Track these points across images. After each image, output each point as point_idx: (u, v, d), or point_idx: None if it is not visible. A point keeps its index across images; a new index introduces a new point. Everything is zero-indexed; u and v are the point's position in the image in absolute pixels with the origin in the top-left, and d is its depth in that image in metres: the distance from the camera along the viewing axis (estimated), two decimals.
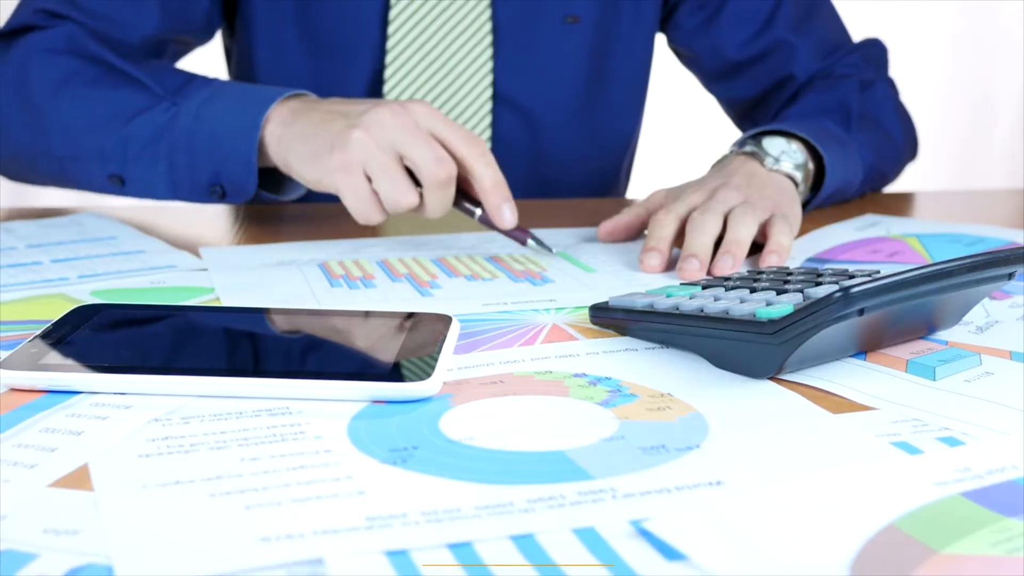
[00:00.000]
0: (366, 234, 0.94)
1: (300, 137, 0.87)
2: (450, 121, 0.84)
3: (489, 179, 0.84)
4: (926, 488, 0.46)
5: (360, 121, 0.83)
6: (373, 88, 1.12)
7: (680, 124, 2.28)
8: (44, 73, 0.96)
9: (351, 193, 0.84)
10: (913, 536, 0.42)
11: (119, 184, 0.96)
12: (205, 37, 1.14)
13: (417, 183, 0.84)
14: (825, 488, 0.46)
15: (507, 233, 0.87)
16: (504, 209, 0.84)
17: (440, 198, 0.84)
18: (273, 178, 0.95)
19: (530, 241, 0.86)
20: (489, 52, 1.11)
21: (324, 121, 0.86)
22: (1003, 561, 0.41)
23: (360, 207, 0.84)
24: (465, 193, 0.86)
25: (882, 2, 2.44)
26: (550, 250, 0.87)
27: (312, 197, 0.97)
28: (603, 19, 1.16)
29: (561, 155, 1.20)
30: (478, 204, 0.86)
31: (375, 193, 0.84)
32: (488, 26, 1.10)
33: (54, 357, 0.58)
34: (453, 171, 0.83)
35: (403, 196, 0.83)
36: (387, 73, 1.10)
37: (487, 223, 0.86)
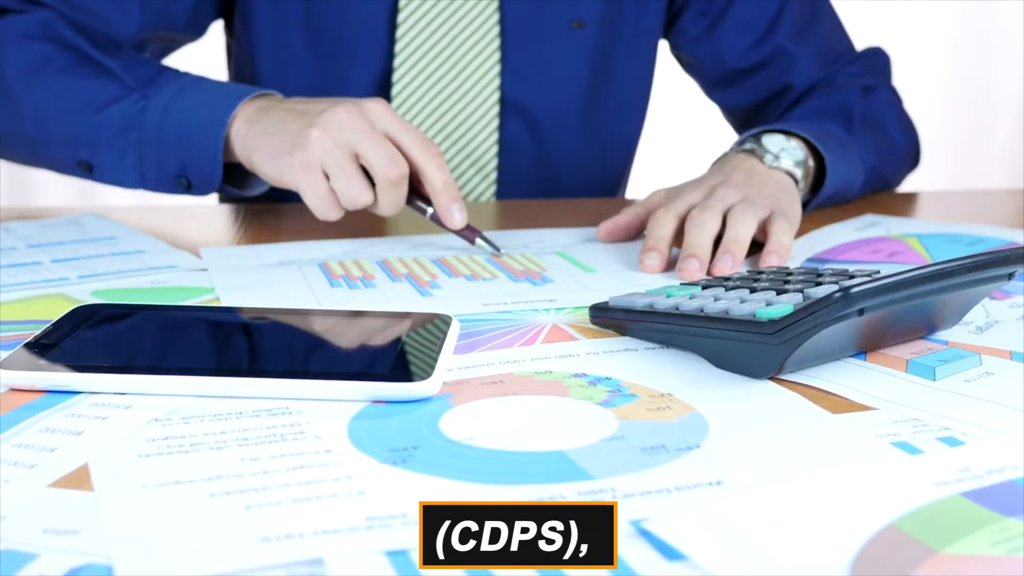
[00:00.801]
0: (366, 234, 0.94)
1: (263, 135, 0.90)
2: (404, 122, 0.87)
3: (439, 180, 0.87)
4: (926, 488, 0.46)
5: (318, 120, 0.86)
6: (380, 93, 1.12)
7: (682, 125, 2.28)
8: (17, 58, 0.98)
9: (311, 191, 0.87)
10: (913, 536, 0.42)
11: (87, 170, 0.98)
12: (193, 35, 1.14)
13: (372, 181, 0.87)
14: (825, 488, 0.46)
15: (457, 232, 0.89)
16: (453, 209, 0.87)
17: (392, 196, 0.86)
18: (237, 173, 0.98)
19: (478, 240, 0.88)
20: (497, 56, 1.11)
21: (285, 120, 0.89)
22: (1003, 561, 0.41)
23: (319, 204, 0.87)
24: (419, 192, 0.89)
25: (882, 2, 2.44)
26: (498, 250, 0.88)
27: (275, 193, 1.00)
28: (607, 24, 1.16)
29: (565, 158, 1.20)
30: (430, 203, 0.89)
31: (333, 190, 0.87)
32: (496, 30, 1.11)
33: (54, 357, 0.58)
34: (405, 171, 0.86)
35: (358, 194, 0.86)
36: (395, 77, 1.10)
37: (438, 222, 0.89)
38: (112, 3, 1.02)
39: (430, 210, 0.89)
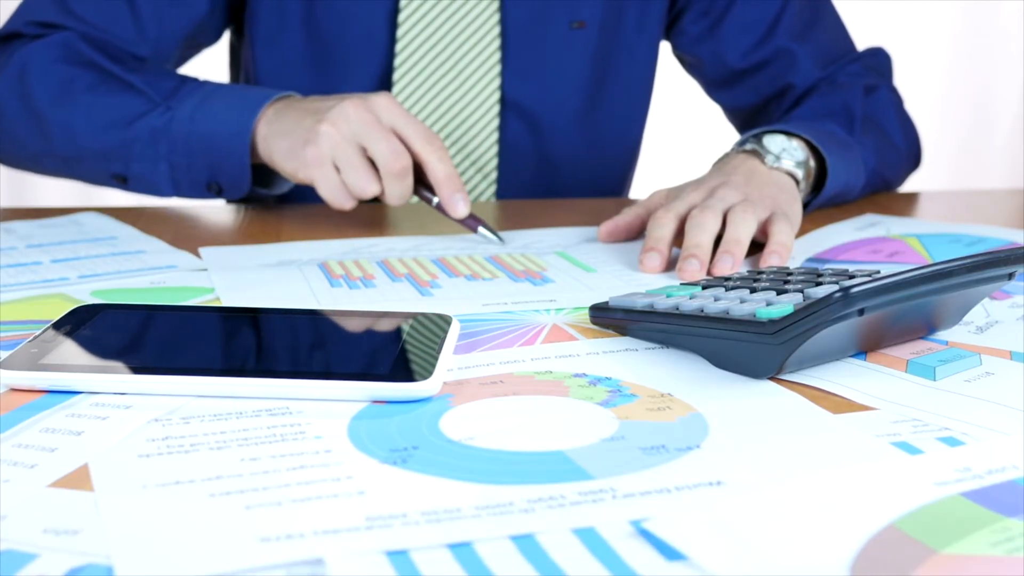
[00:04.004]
0: (366, 234, 0.95)
1: (280, 134, 0.94)
2: (409, 115, 0.91)
3: (442, 172, 0.91)
4: (926, 488, 0.46)
5: (327, 116, 0.90)
6: None
7: (684, 126, 2.27)
8: (43, 82, 1.01)
9: (323, 183, 0.91)
10: (913, 536, 0.42)
11: (122, 182, 1.01)
12: (211, 40, 1.16)
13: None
14: (825, 488, 0.46)
15: (460, 221, 0.93)
16: (457, 199, 0.91)
17: (398, 187, 0.91)
18: (263, 173, 1.01)
19: (481, 229, 0.92)
20: (497, 57, 1.11)
21: (299, 119, 0.93)
22: (1003, 561, 0.41)
23: (332, 195, 0.92)
24: (425, 183, 0.93)
25: (882, 3, 2.44)
26: (500, 239, 0.91)
27: (298, 190, 1.04)
28: (608, 24, 1.16)
29: (565, 159, 1.20)
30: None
31: (344, 182, 0.91)
32: (496, 31, 1.11)
33: (54, 357, 0.58)
34: (408, 163, 0.90)
35: (366, 185, 0.90)
36: (395, 77, 1.11)
37: (443, 211, 0.93)
38: (128, 19, 1.05)
39: (436, 199, 0.92)
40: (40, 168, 1.06)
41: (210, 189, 0.99)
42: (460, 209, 0.91)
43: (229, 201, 1.10)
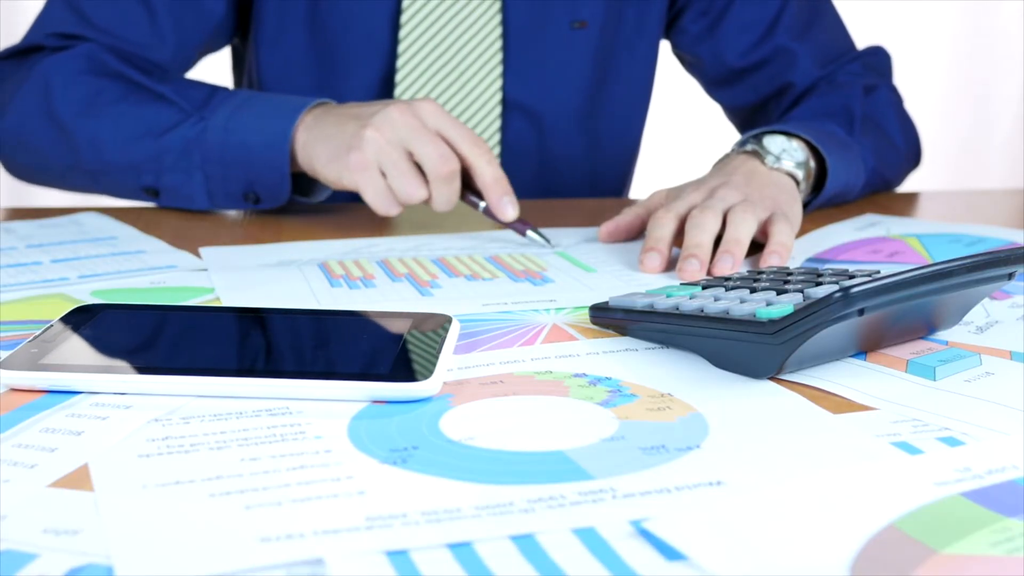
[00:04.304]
0: (366, 234, 0.95)
1: (321, 141, 0.92)
2: (455, 120, 0.90)
3: (490, 175, 0.90)
4: (926, 488, 0.46)
5: (372, 121, 0.89)
6: (383, 93, 1.12)
7: (683, 126, 2.27)
8: (68, 94, 0.99)
9: (369, 189, 0.90)
10: (913, 536, 0.42)
11: (153, 195, 1.00)
12: (223, 44, 1.16)
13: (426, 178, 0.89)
14: (825, 488, 0.46)
15: (508, 225, 0.92)
16: (505, 203, 0.90)
17: (446, 192, 0.89)
18: (300, 181, 0.99)
19: (529, 232, 0.91)
20: (499, 57, 1.11)
21: (340, 124, 0.92)
22: (1003, 561, 0.41)
23: (378, 201, 0.90)
24: (471, 187, 0.92)
25: (882, 2, 2.44)
26: (548, 242, 0.91)
27: (337, 197, 1.02)
28: (609, 24, 1.16)
29: (567, 159, 1.20)
30: (482, 197, 0.91)
31: (390, 188, 0.90)
32: (498, 31, 1.11)
33: (54, 357, 0.58)
34: (456, 167, 0.89)
35: (414, 190, 0.89)
36: (398, 78, 1.11)
37: (491, 215, 0.92)
38: (147, 28, 1.04)
39: (482, 204, 0.92)
40: (67, 184, 1.04)
41: (247, 199, 0.98)
42: (509, 213, 0.90)
43: (289, 209, 1.09)
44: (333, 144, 0.91)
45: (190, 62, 1.10)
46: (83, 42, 1.02)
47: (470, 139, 0.89)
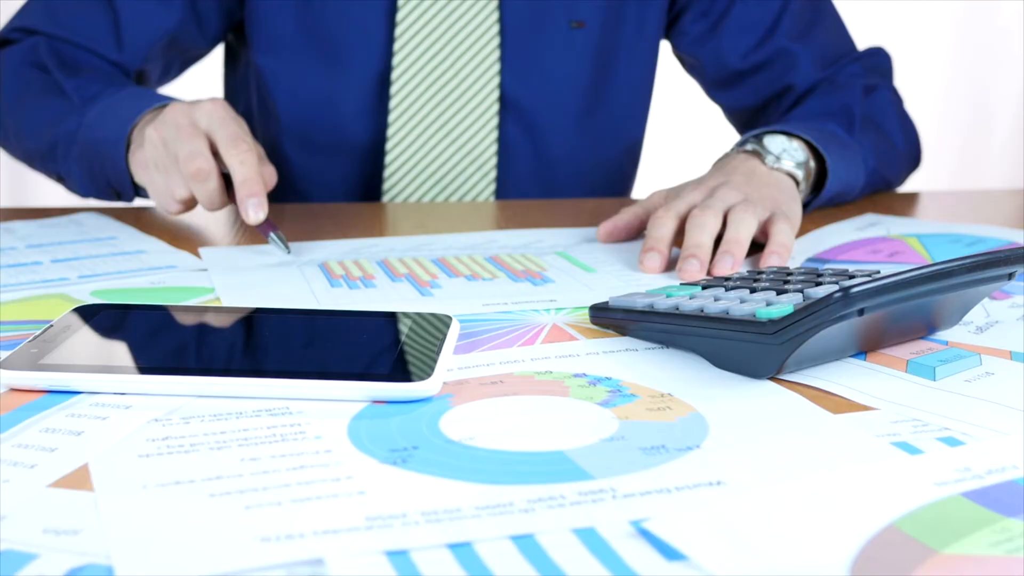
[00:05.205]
0: (366, 234, 0.95)
1: (136, 140, 0.95)
2: (227, 120, 0.89)
3: (238, 176, 0.87)
4: (926, 488, 0.46)
5: (154, 120, 0.91)
6: (379, 92, 1.12)
7: (683, 126, 2.27)
8: (12, 84, 1.05)
9: (149, 187, 0.93)
10: (913, 536, 0.42)
11: (62, 182, 1.05)
12: (204, 44, 1.16)
13: None
14: (825, 488, 0.46)
15: (257, 228, 0.89)
16: (248, 204, 0.87)
17: (199, 190, 0.88)
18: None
19: (271, 236, 0.88)
20: (496, 56, 1.11)
21: (147, 123, 0.93)
22: (1003, 561, 0.41)
23: (156, 199, 0.93)
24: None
25: (882, 2, 2.44)
26: (288, 250, 0.87)
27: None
28: (608, 24, 1.16)
29: (565, 159, 1.20)
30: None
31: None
32: (495, 29, 1.11)
33: (54, 357, 0.58)
34: (206, 167, 0.87)
35: (174, 188, 0.90)
36: (394, 76, 1.10)
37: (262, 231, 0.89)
38: (107, 26, 1.07)
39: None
40: (35, 168, 1.08)
41: (112, 193, 1.00)
42: (251, 215, 0.87)
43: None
44: (135, 143, 0.93)
45: (145, 59, 1.10)
46: (36, 36, 1.06)
47: (229, 139, 0.87)
